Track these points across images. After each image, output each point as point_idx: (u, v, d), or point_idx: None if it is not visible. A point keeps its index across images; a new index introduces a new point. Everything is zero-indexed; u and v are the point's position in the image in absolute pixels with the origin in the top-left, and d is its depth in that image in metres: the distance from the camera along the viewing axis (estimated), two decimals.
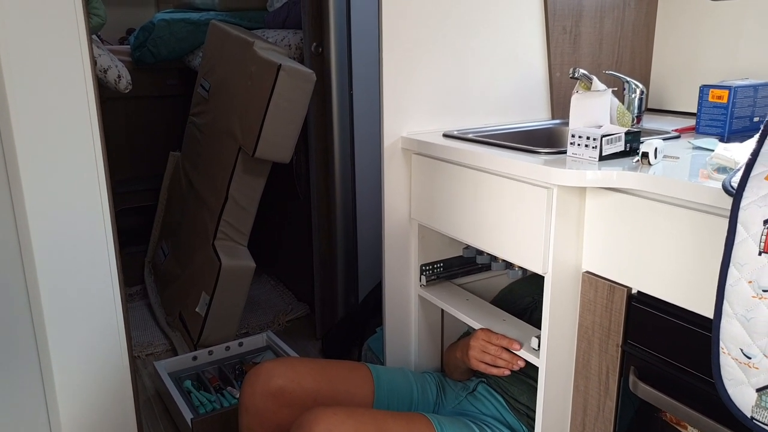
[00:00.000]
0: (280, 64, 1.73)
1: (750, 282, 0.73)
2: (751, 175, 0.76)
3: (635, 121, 1.46)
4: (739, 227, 0.75)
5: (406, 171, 1.41)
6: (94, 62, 1.12)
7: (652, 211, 0.95)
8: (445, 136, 1.35)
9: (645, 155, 0.99)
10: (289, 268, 2.59)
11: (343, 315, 2.14)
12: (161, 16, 2.63)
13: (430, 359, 1.54)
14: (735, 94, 1.30)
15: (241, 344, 1.97)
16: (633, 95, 1.45)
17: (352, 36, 1.92)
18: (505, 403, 1.29)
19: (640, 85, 1.44)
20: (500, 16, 1.45)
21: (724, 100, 1.31)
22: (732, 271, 0.75)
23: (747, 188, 0.75)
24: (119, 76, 1.91)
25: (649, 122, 1.53)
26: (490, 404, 1.30)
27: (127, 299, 2.45)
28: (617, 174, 0.96)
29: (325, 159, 2.01)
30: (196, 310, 2.00)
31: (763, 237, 0.73)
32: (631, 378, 1.00)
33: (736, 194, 0.76)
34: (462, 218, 1.25)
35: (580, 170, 0.99)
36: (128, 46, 2.82)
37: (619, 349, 1.03)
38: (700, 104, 1.35)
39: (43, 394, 1.23)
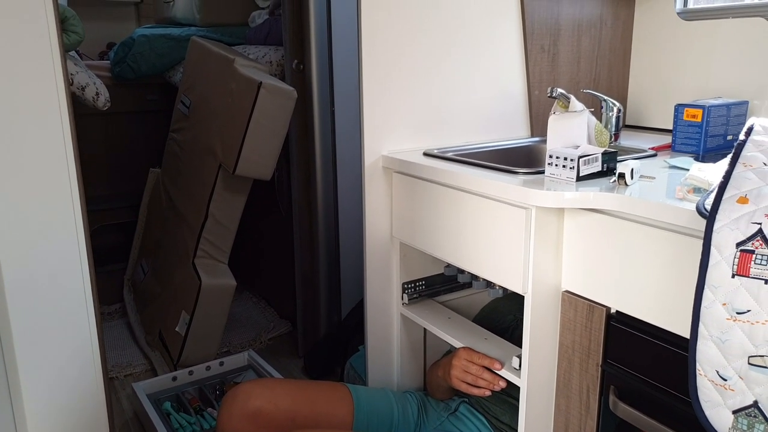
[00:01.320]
0: (261, 82, 1.73)
1: (724, 304, 0.74)
2: (724, 198, 0.78)
3: (613, 139, 1.48)
4: (713, 250, 0.76)
5: (387, 189, 1.41)
6: (69, 80, 1.10)
7: (628, 232, 0.95)
8: (426, 155, 1.36)
9: (622, 176, 1.00)
10: (271, 284, 2.57)
11: (325, 333, 2.13)
12: (141, 32, 2.61)
13: (413, 378, 1.54)
14: (709, 113, 1.32)
15: (222, 364, 1.95)
16: (610, 113, 1.47)
17: (334, 53, 1.93)
18: (487, 423, 1.29)
19: (617, 104, 1.46)
20: (479, 35, 1.46)
21: (699, 119, 1.33)
22: (707, 293, 0.76)
23: (720, 211, 0.77)
24: (97, 94, 1.89)
25: (626, 139, 1.55)
26: (472, 424, 1.29)
27: (106, 318, 2.44)
28: (594, 195, 0.97)
29: (307, 176, 2.00)
30: (176, 329, 1.97)
31: (736, 260, 0.74)
32: (611, 398, 1.00)
33: (710, 217, 0.77)
34: (443, 237, 1.25)
35: (558, 191, 0.99)
36: (108, 62, 2.80)
37: (599, 368, 1.03)
38: (675, 123, 1.37)
39: (12, 420, 1.20)
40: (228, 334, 2.27)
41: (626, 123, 1.81)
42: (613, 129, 1.46)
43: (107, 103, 1.94)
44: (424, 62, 1.40)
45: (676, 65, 1.65)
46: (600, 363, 1.02)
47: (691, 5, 1.65)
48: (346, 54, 1.93)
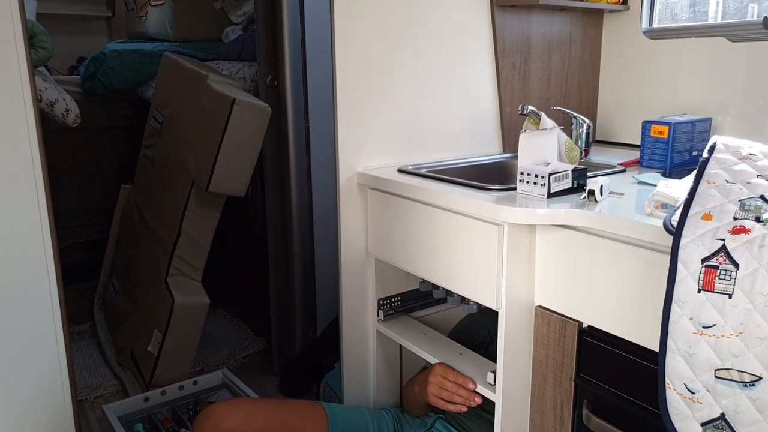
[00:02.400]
0: (235, 98, 1.73)
1: (691, 318, 0.76)
2: (689, 214, 0.80)
3: (583, 155, 1.51)
4: (680, 265, 0.77)
5: (362, 206, 1.41)
6: (38, 96, 1.09)
7: (599, 248, 0.97)
8: (400, 171, 1.37)
9: (591, 192, 1.02)
10: (246, 302, 2.54)
11: (300, 350, 2.11)
12: (113, 47, 2.59)
13: (389, 395, 1.53)
14: (675, 129, 1.36)
15: (195, 383, 1.91)
16: (580, 130, 1.49)
17: (308, 69, 1.93)
18: None
19: (587, 120, 1.49)
20: (452, 54, 1.48)
21: (665, 136, 1.37)
22: (674, 308, 0.77)
23: (685, 227, 0.78)
24: (67, 110, 1.86)
25: (596, 155, 1.58)
26: None
27: (75, 338, 2.38)
28: (564, 211, 0.99)
29: (282, 192, 2.00)
30: (149, 348, 1.94)
31: (702, 275, 0.75)
32: (584, 411, 1.01)
33: (676, 234, 0.79)
34: (417, 253, 1.26)
35: (529, 208, 1.01)
36: (78, 77, 2.76)
37: (572, 382, 1.04)
38: (643, 139, 1.40)
39: None
40: (202, 353, 2.24)
41: (596, 138, 1.85)
42: (583, 145, 1.49)
43: (77, 120, 1.92)
44: (398, 80, 1.41)
45: (643, 82, 1.69)
46: (573, 377, 1.04)
47: (656, 25, 1.70)
48: (320, 70, 1.94)
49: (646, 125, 1.39)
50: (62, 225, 2.75)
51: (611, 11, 1.73)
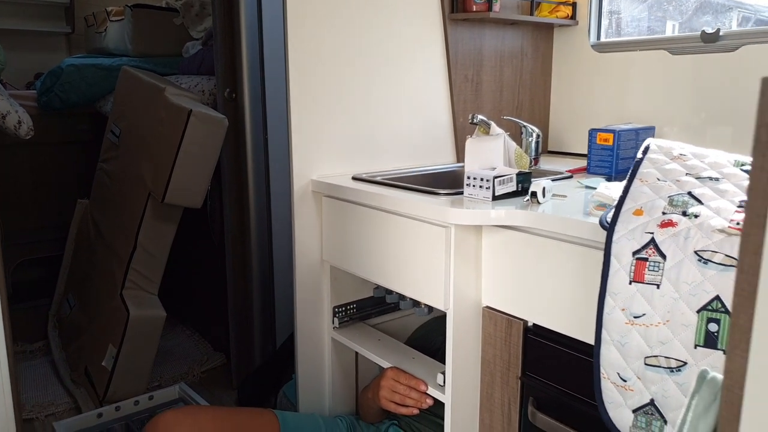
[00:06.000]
0: (191, 110, 1.73)
1: (623, 309, 0.78)
2: (622, 210, 0.83)
3: (533, 163, 1.54)
4: (613, 259, 0.80)
5: (317, 213, 1.42)
6: None
7: (541, 247, 1.00)
8: (354, 179, 1.38)
9: (534, 194, 1.04)
10: (206, 317, 2.51)
11: (260, 363, 2.09)
12: (70, 61, 2.56)
13: (345, 403, 1.53)
14: (619, 137, 1.41)
15: (151, 398, 1.88)
16: (530, 139, 1.53)
17: (266, 82, 1.94)
18: None
19: (536, 129, 1.53)
20: (405, 65, 1.52)
21: (611, 143, 1.42)
22: (608, 300, 0.80)
23: (618, 222, 0.81)
24: (19, 122, 1.84)
25: (547, 164, 1.62)
26: None
27: (28, 356, 2.31)
28: (506, 212, 1.01)
29: (240, 204, 1.99)
30: (103, 363, 1.89)
31: (633, 267, 0.78)
32: (530, 408, 1.03)
33: (609, 229, 0.82)
34: (370, 258, 1.27)
35: (475, 209, 1.03)
36: (34, 91, 2.72)
37: (519, 381, 1.06)
38: (590, 146, 1.45)
39: None
40: (159, 368, 2.20)
41: (548, 149, 1.90)
42: (533, 153, 1.53)
43: (30, 132, 1.89)
44: (353, 91, 1.43)
45: (593, 94, 1.75)
46: (519, 375, 1.05)
47: (603, 39, 1.76)
48: (279, 82, 1.95)
49: (593, 133, 1.44)
50: (18, 241, 2.69)
51: (561, 26, 1.79)
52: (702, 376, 0.42)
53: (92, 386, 1.96)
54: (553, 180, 1.27)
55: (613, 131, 1.42)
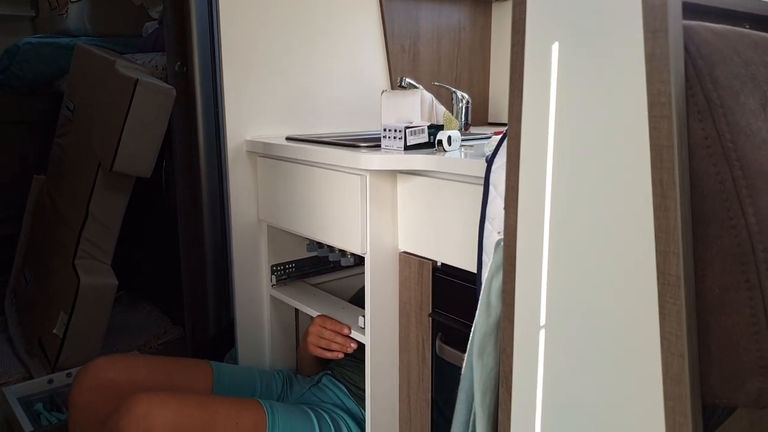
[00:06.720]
0: (138, 79, 1.77)
1: (499, 233, 0.85)
2: (502, 145, 0.90)
3: (463, 129, 1.61)
4: (491, 187, 0.87)
5: (253, 174, 1.48)
6: None
7: (446, 190, 1.07)
8: (288, 139, 1.44)
9: (440, 142, 1.11)
10: (165, 292, 2.54)
11: (214, 333, 2.14)
12: (27, 40, 2.59)
13: (285, 360, 1.58)
14: None
15: None
16: (460, 105, 1.60)
17: (222, 54, 1.99)
18: (347, 391, 1.35)
19: (466, 96, 1.60)
20: (342, 32, 1.58)
21: None
22: (486, 225, 0.87)
23: (497, 155, 0.88)
24: None
25: (478, 131, 1.69)
26: (332, 393, 1.35)
27: None
28: (411, 158, 1.08)
29: (191, 175, 2.03)
30: (54, 331, 1.93)
31: None
32: (438, 343, 1.09)
33: (489, 161, 0.89)
34: (299, 212, 1.33)
35: (385, 155, 1.10)
36: None
37: (429, 318, 1.12)
38: None
39: None
40: (117, 340, 2.23)
41: (489, 121, 1.97)
42: (463, 119, 1.60)
43: None
44: (288, 55, 1.49)
45: None
46: (430, 313, 1.12)
47: None
48: None
49: None
50: None
51: (498, 1, 1.86)
52: (498, 243, 0.49)
53: (45, 356, 2.00)
54: (474, 140, 1.34)
55: None
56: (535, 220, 0.42)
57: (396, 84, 1.67)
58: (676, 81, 0.35)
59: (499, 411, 0.50)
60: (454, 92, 1.59)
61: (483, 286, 0.47)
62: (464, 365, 0.65)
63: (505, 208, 0.46)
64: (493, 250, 0.86)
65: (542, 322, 0.43)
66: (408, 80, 1.41)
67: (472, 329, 0.66)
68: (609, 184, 0.39)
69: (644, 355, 0.38)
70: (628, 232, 0.39)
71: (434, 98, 1.33)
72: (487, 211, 0.87)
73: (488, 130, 1.70)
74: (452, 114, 1.56)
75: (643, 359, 0.38)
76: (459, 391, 0.65)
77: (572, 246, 0.41)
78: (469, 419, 0.60)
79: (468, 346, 0.65)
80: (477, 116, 1.88)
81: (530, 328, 0.44)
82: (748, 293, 0.36)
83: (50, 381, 1.83)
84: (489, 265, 0.87)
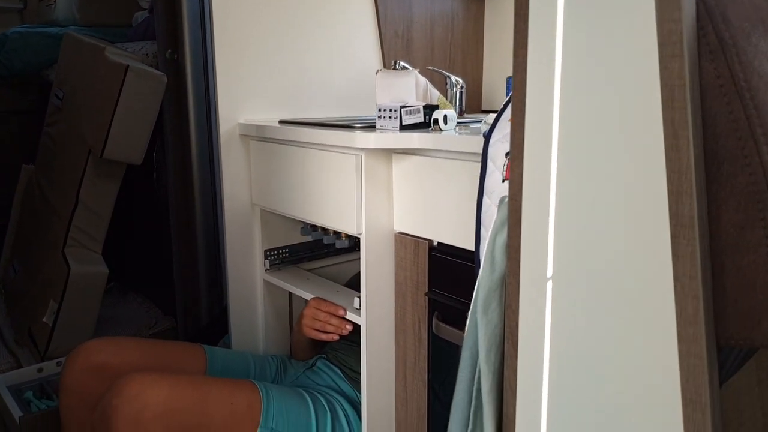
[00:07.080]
0: (128, 65, 1.75)
1: (497, 206, 0.85)
2: (500, 119, 0.89)
3: (458, 114, 1.61)
4: (489, 162, 0.87)
5: (245, 157, 1.46)
6: None
7: (442, 168, 1.06)
8: (281, 122, 1.43)
9: (435, 121, 1.11)
10: (157, 284, 2.52)
11: (206, 323, 2.12)
12: (16, 29, 2.55)
13: (278, 345, 1.57)
14: None
15: None
16: (454, 90, 1.59)
17: (214, 41, 1.97)
18: (342, 374, 1.35)
19: (460, 80, 1.60)
20: (334, 17, 1.57)
21: None
22: (485, 199, 0.86)
23: (495, 129, 0.88)
24: None
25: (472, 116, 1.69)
26: (327, 376, 1.35)
27: None
28: (407, 136, 1.08)
29: (182, 161, 2.02)
30: (44, 320, 1.91)
31: (505, 167, 0.85)
32: (434, 321, 1.09)
33: (487, 135, 0.88)
34: (293, 195, 1.32)
35: (379, 134, 1.09)
36: None
37: (426, 297, 1.12)
38: (507, 93, 1.51)
39: None
40: (108, 331, 2.21)
41: (482, 108, 1.97)
42: (457, 104, 1.59)
43: None
44: (281, 39, 1.48)
45: None
46: (426, 292, 1.12)
47: None
48: None
49: (509, 80, 1.51)
50: None
51: None
52: (502, 200, 0.49)
53: (35, 345, 1.98)
54: (470, 122, 1.34)
55: None
56: (541, 169, 0.41)
57: (390, 68, 1.66)
58: (687, 20, 0.35)
59: (505, 367, 0.50)
60: (449, 77, 1.59)
61: (486, 243, 0.47)
62: (468, 323, 0.65)
63: (510, 161, 0.45)
64: (491, 225, 0.86)
65: (549, 273, 0.43)
66: (402, 63, 1.40)
67: (476, 287, 0.65)
68: (619, 127, 0.38)
69: (657, 299, 0.37)
70: (639, 174, 0.38)
71: (428, 82, 1.33)
72: (485, 185, 0.86)
73: (482, 117, 1.70)
74: (446, 99, 1.56)
75: (656, 303, 0.38)
76: (462, 350, 0.65)
77: (581, 193, 0.41)
78: (474, 377, 0.60)
79: (471, 304, 0.65)
80: (470, 103, 1.88)
81: (537, 281, 0.44)
82: (764, 231, 0.36)
83: (40, 370, 1.80)
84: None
